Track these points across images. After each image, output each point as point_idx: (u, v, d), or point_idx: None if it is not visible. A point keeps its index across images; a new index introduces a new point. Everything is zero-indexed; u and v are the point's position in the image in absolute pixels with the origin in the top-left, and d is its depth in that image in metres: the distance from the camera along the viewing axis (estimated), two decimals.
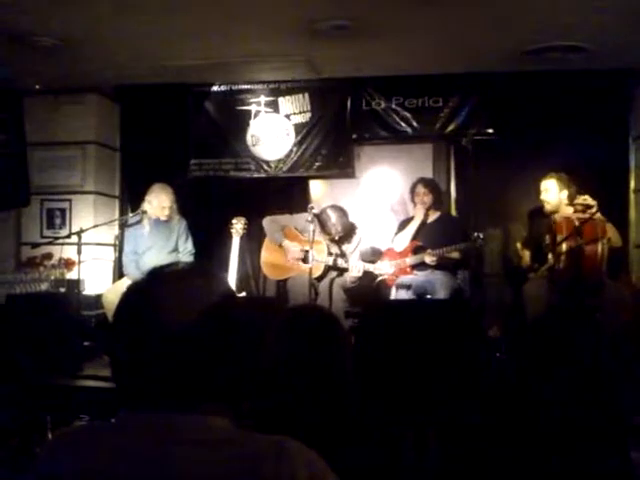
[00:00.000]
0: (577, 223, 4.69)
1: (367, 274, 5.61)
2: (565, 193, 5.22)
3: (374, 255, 6.15)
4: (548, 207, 5.28)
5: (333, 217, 5.59)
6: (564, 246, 4.70)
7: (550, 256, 4.94)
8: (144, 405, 1.15)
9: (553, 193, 5.26)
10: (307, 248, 5.42)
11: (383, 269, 5.61)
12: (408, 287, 5.51)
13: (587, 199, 4.94)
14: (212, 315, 1.18)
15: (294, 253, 5.64)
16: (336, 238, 5.69)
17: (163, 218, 5.75)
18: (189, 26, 5.02)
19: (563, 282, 4.74)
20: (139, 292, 1.21)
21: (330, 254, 5.63)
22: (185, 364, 1.14)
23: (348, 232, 5.78)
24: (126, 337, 1.18)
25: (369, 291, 5.84)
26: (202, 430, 1.13)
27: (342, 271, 5.63)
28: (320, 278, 5.62)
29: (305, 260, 5.51)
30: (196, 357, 1.14)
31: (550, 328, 2.17)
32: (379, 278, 5.70)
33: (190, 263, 1.33)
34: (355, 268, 5.52)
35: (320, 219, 5.60)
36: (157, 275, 1.24)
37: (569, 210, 5.14)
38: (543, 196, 5.33)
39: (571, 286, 4.70)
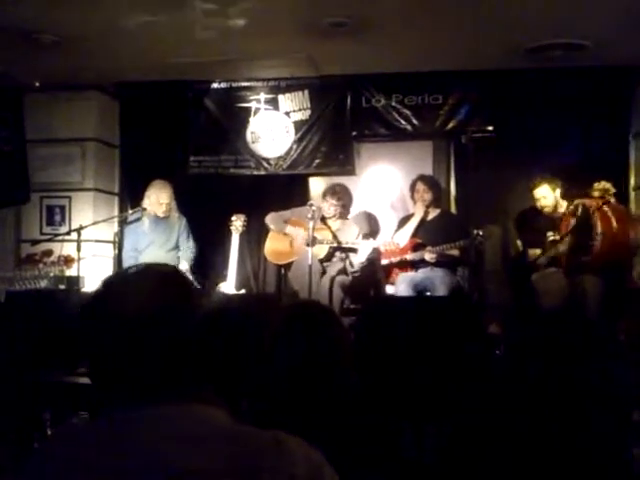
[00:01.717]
0: (604, 206, 4.70)
1: (369, 266, 5.65)
2: (558, 191, 5.34)
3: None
4: (548, 210, 5.34)
5: (338, 187, 5.84)
6: (599, 228, 4.71)
7: (561, 244, 4.97)
8: (130, 401, 1.14)
9: (550, 197, 5.34)
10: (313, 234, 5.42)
11: (388, 244, 5.64)
12: (408, 284, 5.51)
13: (606, 184, 4.91)
14: (173, 305, 1.19)
15: (300, 236, 5.68)
16: (332, 210, 5.77)
17: (160, 214, 5.78)
18: (189, 23, 5.01)
19: (601, 266, 4.77)
20: (101, 292, 1.22)
21: (335, 237, 5.65)
22: (153, 357, 1.14)
23: (341, 215, 5.89)
24: (94, 335, 1.18)
25: (368, 288, 5.86)
26: (196, 422, 1.13)
27: (347, 251, 5.66)
28: (324, 260, 5.65)
29: (308, 244, 5.47)
30: (161, 349, 1.15)
31: (569, 320, 2.17)
32: (380, 275, 5.72)
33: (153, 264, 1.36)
34: (365, 244, 5.60)
35: (324, 193, 5.85)
36: (118, 276, 1.26)
37: (564, 204, 5.26)
38: (542, 202, 5.39)
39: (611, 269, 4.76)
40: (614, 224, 4.69)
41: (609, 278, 4.87)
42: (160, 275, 1.25)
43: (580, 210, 4.92)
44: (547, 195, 5.35)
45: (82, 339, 1.20)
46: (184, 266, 5.81)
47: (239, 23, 5.00)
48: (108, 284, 1.24)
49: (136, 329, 1.14)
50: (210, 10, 4.77)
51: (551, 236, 5.15)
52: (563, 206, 5.30)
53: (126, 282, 1.23)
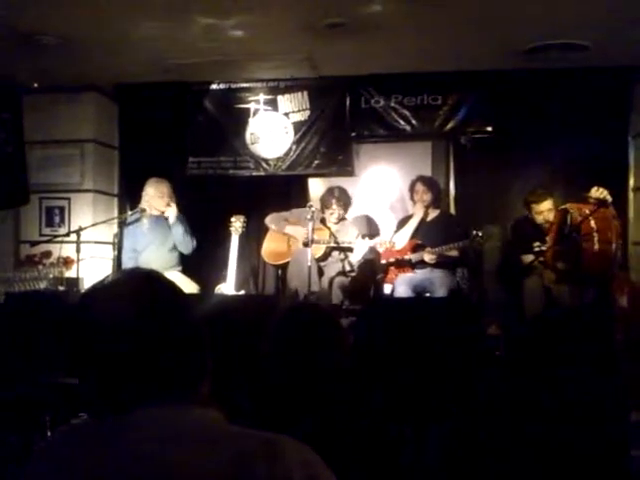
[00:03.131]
0: (593, 222, 4.58)
1: (368, 267, 5.66)
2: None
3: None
4: (547, 224, 5.28)
5: (336, 191, 5.84)
6: (583, 239, 4.58)
7: (548, 251, 4.94)
8: (121, 404, 1.13)
9: (550, 216, 5.23)
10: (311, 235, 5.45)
11: (383, 243, 5.65)
12: (407, 285, 5.51)
13: (603, 192, 4.72)
14: (141, 308, 1.17)
15: (300, 234, 5.70)
16: (336, 215, 5.81)
17: (162, 209, 5.76)
18: (188, 24, 5.01)
19: (578, 279, 4.72)
20: (82, 302, 1.22)
21: (332, 236, 5.67)
22: (138, 361, 1.13)
23: (342, 218, 5.92)
24: (79, 345, 1.18)
25: (368, 289, 5.86)
26: (189, 424, 1.12)
27: (344, 251, 5.69)
28: (320, 259, 5.67)
29: (307, 244, 5.48)
30: (139, 351, 1.13)
31: (549, 325, 2.17)
32: (379, 276, 5.73)
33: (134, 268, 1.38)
34: (360, 243, 5.62)
35: (323, 197, 5.87)
36: (97, 284, 1.25)
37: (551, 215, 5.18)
38: (546, 216, 5.26)
39: (586, 284, 4.70)
40: (595, 239, 4.53)
41: (592, 287, 4.83)
42: (140, 280, 1.24)
43: (566, 217, 4.82)
44: (552, 208, 5.25)
45: (68, 349, 1.20)
46: (179, 267, 5.84)
47: (238, 25, 5.00)
48: (88, 294, 1.24)
49: (118, 336, 1.13)
50: (210, 12, 4.78)
51: (537, 247, 5.13)
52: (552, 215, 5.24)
53: (106, 290, 1.22)
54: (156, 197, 5.76)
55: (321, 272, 5.62)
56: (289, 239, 5.92)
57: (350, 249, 5.69)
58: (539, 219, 5.33)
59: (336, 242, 5.69)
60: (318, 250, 5.64)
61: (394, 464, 1.81)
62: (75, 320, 1.20)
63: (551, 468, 1.94)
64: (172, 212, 5.78)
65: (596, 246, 4.55)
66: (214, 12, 4.79)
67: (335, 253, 5.77)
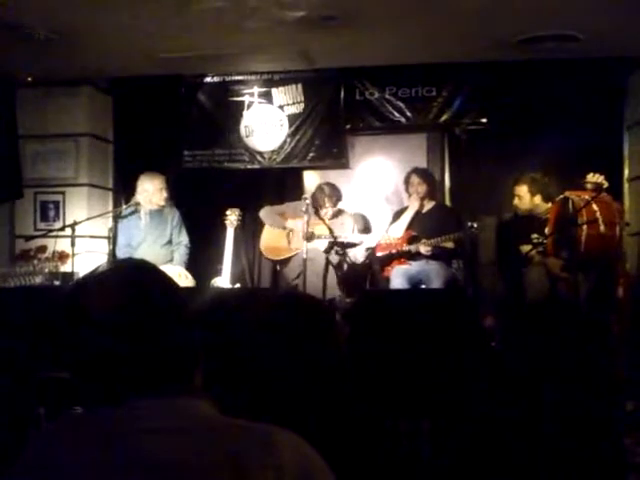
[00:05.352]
0: (595, 206, 4.60)
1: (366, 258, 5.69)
2: (539, 197, 5.27)
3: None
4: (520, 212, 5.33)
5: (327, 189, 5.81)
6: (585, 229, 4.59)
7: (549, 241, 4.94)
8: (113, 396, 1.13)
9: (525, 199, 5.28)
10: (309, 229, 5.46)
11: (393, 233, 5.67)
12: (403, 277, 5.51)
13: (599, 177, 4.76)
14: (133, 300, 1.17)
15: (300, 229, 5.66)
16: (330, 212, 5.81)
17: (162, 202, 5.76)
18: (182, 18, 4.99)
19: (583, 266, 4.73)
20: (74, 292, 1.22)
21: (331, 231, 5.67)
22: (131, 353, 1.13)
23: (338, 210, 5.94)
24: (71, 335, 1.18)
25: (363, 281, 5.87)
26: (181, 415, 1.12)
27: (346, 247, 5.67)
28: (326, 252, 5.67)
29: (305, 238, 5.47)
30: (127, 343, 1.13)
31: (549, 315, 2.17)
32: (375, 268, 5.73)
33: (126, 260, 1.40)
34: (367, 238, 5.66)
35: (314, 196, 5.78)
36: (90, 274, 1.25)
37: (543, 207, 5.21)
38: (516, 201, 5.36)
39: (592, 270, 4.72)
40: (600, 221, 4.58)
41: (597, 272, 4.85)
42: (132, 271, 1.25)
43: (567, 205, 4.83)
44: (523, 196, 5.30)
45: (60, 339, 1.19)
46: (177, 262, 5.81)
47: (232, 17, 4.98)
48: (79, 285, 1.23)
49: (109, 327, 1.13)
50: (203, 5, 4.76)
51: (536, 238, 5.14)
52: (542, 209, 5.26)
53: (96, 280, 1.21)
54: (156, 192, 5.76)
55: (328, 263, 5.60)
56: (289, 234, 5.89)
57: (352, 244, 5.67)
58: (515, 202, 5.38)
59: (335, 236, 5.66)
60: (321, 244, 5.64)
61: (389, 457, 1.81)
62: (66, 311, 1.19)
63: (546, 462, 1.95)
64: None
65: (602, 227, 4.56)
66: (207, 5, 4.77)
67: (335, 246, 5.75)
